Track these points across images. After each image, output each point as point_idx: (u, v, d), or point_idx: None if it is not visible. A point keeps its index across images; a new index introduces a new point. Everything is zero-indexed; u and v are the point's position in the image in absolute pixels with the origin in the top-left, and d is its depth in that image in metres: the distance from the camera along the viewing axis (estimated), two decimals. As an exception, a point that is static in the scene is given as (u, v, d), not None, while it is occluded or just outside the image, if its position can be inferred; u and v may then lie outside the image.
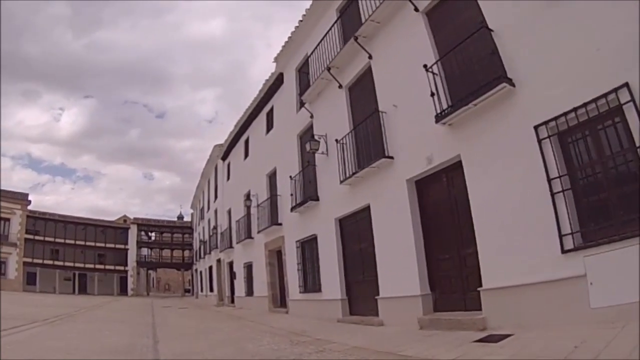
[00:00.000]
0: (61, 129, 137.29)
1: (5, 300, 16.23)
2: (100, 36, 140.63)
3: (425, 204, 7.86)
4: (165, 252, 52.55)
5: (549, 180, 5.27)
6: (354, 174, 9.22)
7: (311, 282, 11.67)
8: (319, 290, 10.96)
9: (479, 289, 6.11)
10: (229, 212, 21.87)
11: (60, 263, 41.49)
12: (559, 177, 5.22)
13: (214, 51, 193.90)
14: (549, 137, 5.37)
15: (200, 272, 33.51)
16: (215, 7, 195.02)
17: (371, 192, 8.95)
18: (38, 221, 40.77)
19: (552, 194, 5.24)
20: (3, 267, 35.76)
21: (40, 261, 39.53)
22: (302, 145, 13.09)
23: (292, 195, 12.56)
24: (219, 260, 24.45)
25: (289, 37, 13.81)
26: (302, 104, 12.79)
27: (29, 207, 39.71)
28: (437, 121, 6.89)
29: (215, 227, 25.62)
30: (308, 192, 11.79)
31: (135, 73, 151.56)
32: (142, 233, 51.20)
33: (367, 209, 9.14)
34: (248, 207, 17.71)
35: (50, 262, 40.66)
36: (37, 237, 39.70)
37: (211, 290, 27.46)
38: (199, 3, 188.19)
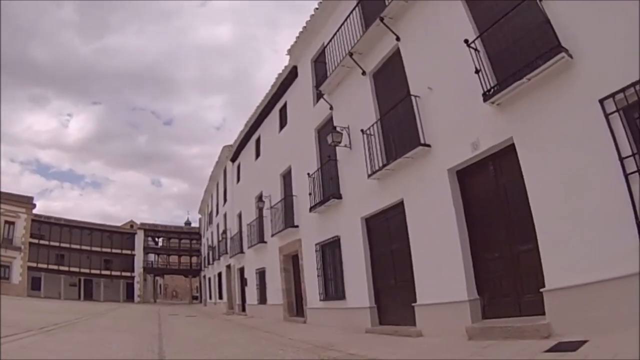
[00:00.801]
0: (69, 135, 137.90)
1: (5, 305, 15.40)
2: (107, 41, 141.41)
3: (468, 196, 6.93)
4: (173, 258, 51.70)
5: (621, 160, 4.48)
6: (384, 166, 8.26)
7: (333, 288, 10.62)
8: (342, 297, 9.93)
9: (541, 290, 5.19)
10: (239, 215, 20.99)
11: (66, 268, 40.70)
12: (633, 155, 4.43)
13: (221, 56, 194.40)
14: (617, 111, 4.58)
15: (209, 279, 32.59)
16: (221, 13, 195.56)
17: (405, 186, 7.97)
18: (43, 225, 39.97)
19: (626, 175, 4.43)
20: (7, 271, 34.83)
21: (45, 266, 38.67)
22: (320, 141, 12.25)
23: (310, 194, 11.57)
24: (228, 267, 23.51)
25: (304, 27, 13.04)
26: (319, 96, 11.90)
27: (34, 211, 38.92)
28: (485, 100, 6.05)
29: (224, 232, 24.69)
30: (329, 190, 10.80)
31: (143, 78, 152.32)
32: (149, 239, 50.35)
33: (399, 205, 8.16)
34: (260, 210, 16.74)
35: (55, 267, 39.83)
36: (42, 242, 38.90)
37: (220, 297, 26.50)
38: (206, 8, 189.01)
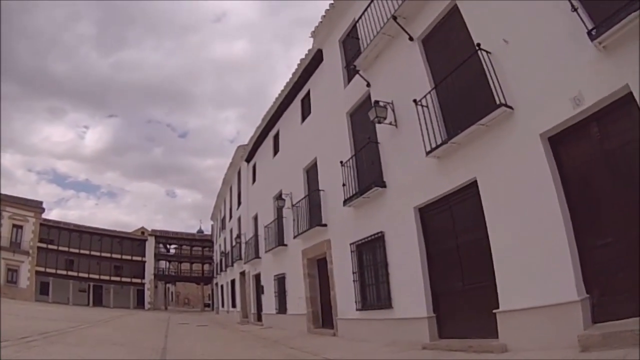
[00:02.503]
0: (86, 147, 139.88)
1: (4, 310, 13.97)
2: (125, 55, 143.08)
3: (564, 169, 5.34)
4: (185, 265, 50.41)
5: None
6: (449, 139, 6.58)
7: (375, 295, 8.84)
8: (388, 306, 8.16)
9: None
10: (255, 218, 19.41)
11: (75, 274, 39.67)
12: None
13: (237, 71, 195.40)
14: None
15: (221, 286, 31.01)
16: (237, 29, 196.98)
17: (478, 162, 6.30)
18: (52, 230, 39.08)
19: None
20: (14, 275, 33.97)
21: (53, 271, 37.63)
22: (353, 125, 10.69)
23: (344, 185, 9.90)
24: (242, 273, 21.89)
25: (331, 4, 11.62)
26: (352, 75, 10.48)
27: (43, 216, 38.10)
28: (592, 39, 4.64)
29: (238, 236, 23.07)
30: (369, 178, 9.11)
31: (159, 92, 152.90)
32: (160, 245, 49.14)
33: (470, 186, 6.47)
34: (280, 209, 15.11)
35: (64, 272, 38.79)
36: (50, 246, 37.93)
37: (234, 305, 24.82)
38: (222, 25, 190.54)
